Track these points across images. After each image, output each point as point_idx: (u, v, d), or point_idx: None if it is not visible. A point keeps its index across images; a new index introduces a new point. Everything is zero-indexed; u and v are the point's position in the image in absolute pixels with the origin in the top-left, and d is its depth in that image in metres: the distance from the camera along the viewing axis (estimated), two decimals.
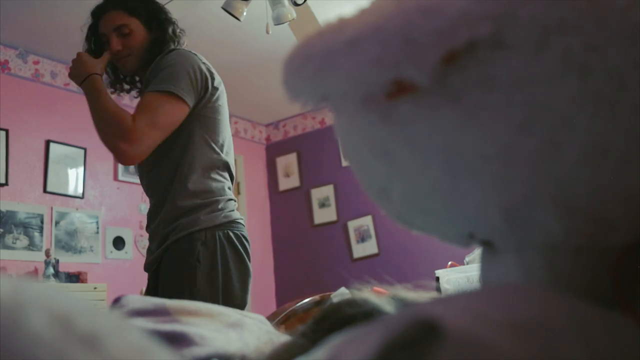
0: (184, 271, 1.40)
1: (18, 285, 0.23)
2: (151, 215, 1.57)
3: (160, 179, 1.52)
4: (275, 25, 2.79)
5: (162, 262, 1.47)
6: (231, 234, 1.47)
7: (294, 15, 2.73)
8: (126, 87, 1.71)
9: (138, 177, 1.66)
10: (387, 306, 0.43)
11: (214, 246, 1.43)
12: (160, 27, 1.59)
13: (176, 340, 0.44)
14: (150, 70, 1.51)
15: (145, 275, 1.61)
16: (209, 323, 0.48)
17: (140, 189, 1.75)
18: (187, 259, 1.40)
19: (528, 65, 0.28)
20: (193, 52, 1.55)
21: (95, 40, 1.61)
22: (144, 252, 2.36)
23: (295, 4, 2.71)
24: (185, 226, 1.43)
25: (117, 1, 1.56)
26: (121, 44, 1.54)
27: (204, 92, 1.49)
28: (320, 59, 0.30)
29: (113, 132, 1.37)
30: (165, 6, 1.69)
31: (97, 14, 1.58)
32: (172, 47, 1.58)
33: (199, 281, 1.38)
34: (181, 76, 1.43)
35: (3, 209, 3.41)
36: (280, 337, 0.51)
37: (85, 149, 3.89)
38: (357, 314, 0.42)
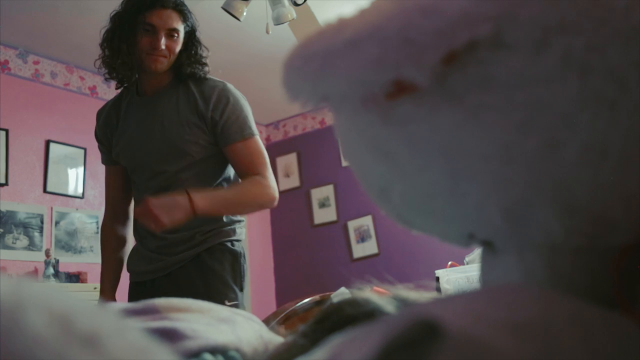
0: (236, 268, 1.67)
1: (18, 285, 0.23)
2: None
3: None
4: (275, 25, 2.79)
5: (200, 261, 1.64)
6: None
7: (294, 15, 2.73)
8: (118, 77, 1.67)
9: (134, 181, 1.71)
10: (388, 306, 0.43)
11: (243, 253, 1.72)
12: (193, 43, 1.66)
13: (166, 336, 0.43)
14: (216, 103, 1.60)
15: None
16: (200, 318, 0.48)
17: None
18: (238, 259, 1.68)
19: (528, 65, 0.28)
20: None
21: (133, 22, 1.58)
22: None
23: (295, 4, 2.71)
24: (226, 234, 1.68)
25: (178, 4, 1.60)
26: (164, 44, 1.58)
27: None
28: (320, 59, 0.30)
29: (266, 206, 1.67)
30: None
31: (153, 3, 1.57)
32: (199, 68, 1.66)
33: (244, 278, 1.68)
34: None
35: (3, 209, 3.41)
36: (270, 334, 0.52)
37: (85, 149, 3.89)
38: (358, 314, 0.42)
